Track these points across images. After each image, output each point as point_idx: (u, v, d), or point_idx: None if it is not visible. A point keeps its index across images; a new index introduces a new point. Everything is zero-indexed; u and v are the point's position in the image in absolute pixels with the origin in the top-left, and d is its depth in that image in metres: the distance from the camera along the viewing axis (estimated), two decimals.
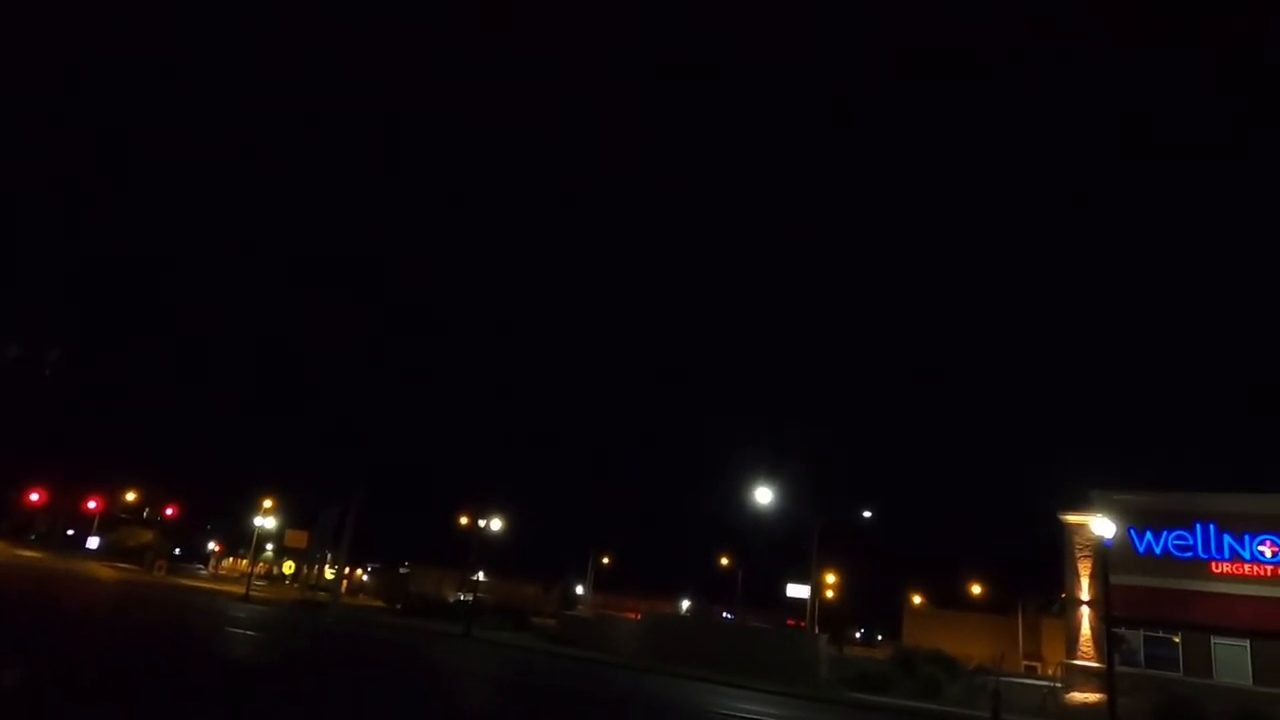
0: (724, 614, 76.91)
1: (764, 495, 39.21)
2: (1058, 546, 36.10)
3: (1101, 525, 26.39)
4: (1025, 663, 55.38)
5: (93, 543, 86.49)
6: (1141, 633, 32.34)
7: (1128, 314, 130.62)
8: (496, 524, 51.24)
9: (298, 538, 60.89)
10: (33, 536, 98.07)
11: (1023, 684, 36.64)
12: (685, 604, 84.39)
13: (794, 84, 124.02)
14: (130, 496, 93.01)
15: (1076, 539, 34.82)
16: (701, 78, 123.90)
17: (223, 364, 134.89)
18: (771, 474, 40.25)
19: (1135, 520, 33.21)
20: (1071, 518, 35.09)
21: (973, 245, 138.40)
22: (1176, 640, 31.83)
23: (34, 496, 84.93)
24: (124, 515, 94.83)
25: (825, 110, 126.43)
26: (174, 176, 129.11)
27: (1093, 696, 30.69)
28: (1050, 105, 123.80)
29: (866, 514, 44.80)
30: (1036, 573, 55.84)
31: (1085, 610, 33.82)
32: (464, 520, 62.24)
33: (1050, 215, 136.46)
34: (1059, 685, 33.93)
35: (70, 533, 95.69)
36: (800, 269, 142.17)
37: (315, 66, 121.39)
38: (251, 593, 52.31)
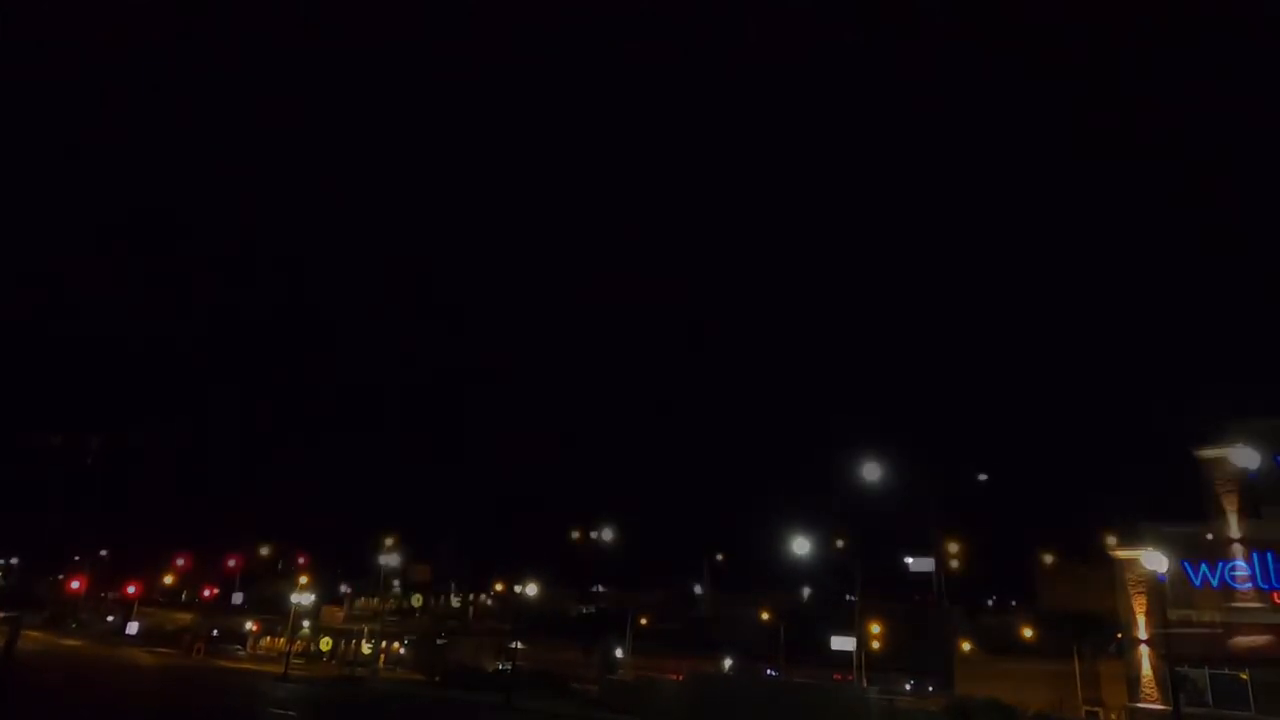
0: (768, 670, 74.85)
1: (801, 545, 38.59)
2: (1108, 582, 34.94)
3: (1152, 559, 25.61)
4: (1086, 709, 53.01)
5: (132, 628, 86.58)
6: (1207, 671, 30.98)
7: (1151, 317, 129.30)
8: (532, 589, 50.70)
9: (333, 614, 60.77)
10: (73, 625, 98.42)
11: None
12: (728, 662, 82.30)
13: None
14: (167, 579, 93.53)
15: (1129, 575, 33.69)
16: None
17: (234, 443, 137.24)
18: (808, 523, 39.65)
19: (1188, 553, 32.14)
20: (1121, 553, 34.03)
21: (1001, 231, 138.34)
22: (1244, 677, 30.45)
23: (74, 585, 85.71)
24: (161, 599, 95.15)
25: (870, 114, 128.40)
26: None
27: None
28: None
29: (909, 560, 43.82)
30: (1093, 613, 53.97)
31: (1144, 650, 32.55)
32: (499, 587, 61.73)
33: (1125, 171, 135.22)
34: None
35: (110, 619, 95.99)
36: (844, 247, 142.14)
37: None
38: (290, 671, 51.87)
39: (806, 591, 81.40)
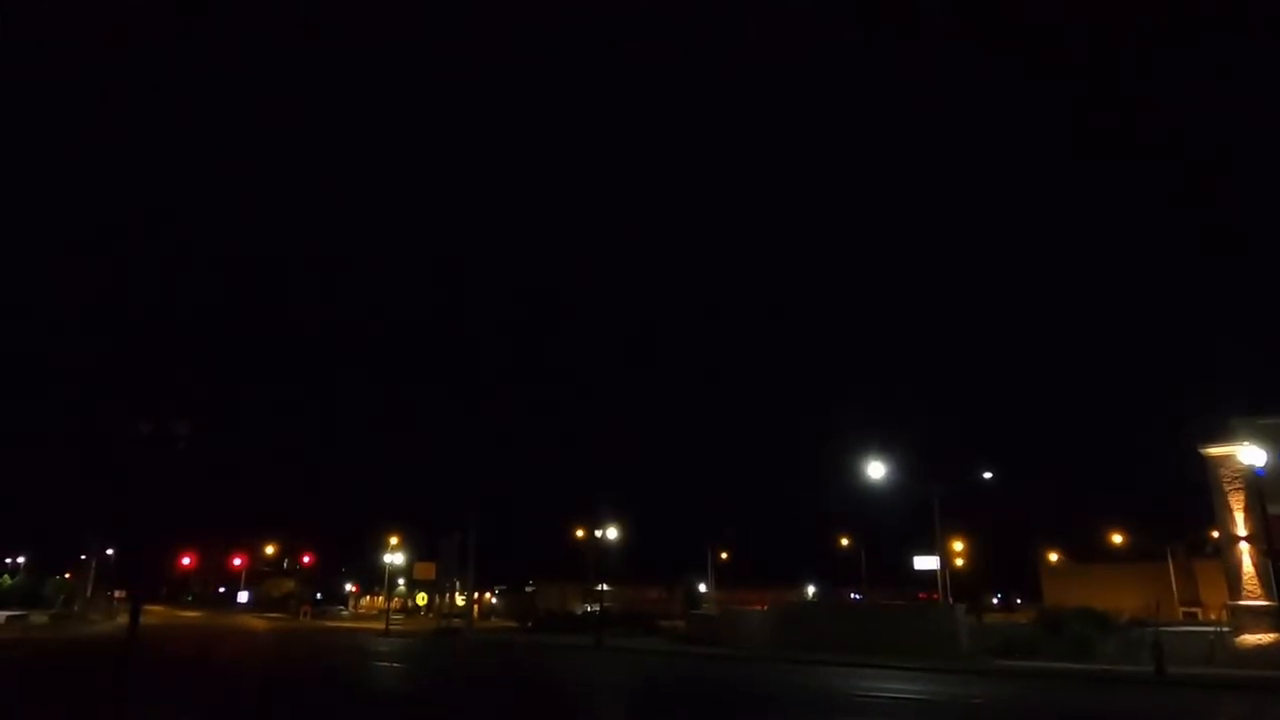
0: (852, 595, 75.39)
1: (876, 470, 38.23)
2: (1200, 484, 33.81)
3: (1250, 454, 24.56)
4: (1183, 610, 51.96)
5: (242, 597, 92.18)
6: None
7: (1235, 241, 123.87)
8: (612, 533, 51.81)
9: (426, 569, 63.17)
10: (189, 597, 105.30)
11: (1184, 633, 34.34)
12: (811, 590, 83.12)
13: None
14: (269, 550, 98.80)
15: (1223, 472, 32.52)
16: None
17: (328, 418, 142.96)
18: (882, 447, 39.19)
19: None
20: (1214, 450, 32.79)
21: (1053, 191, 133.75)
22: None
23: (185, 561, 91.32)
24: (266, 568, 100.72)
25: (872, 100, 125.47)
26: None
27: (1266, 637, 28.56)
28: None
29: (987, 475, 43.01)
30: (1180, 514, 52.54)
31: (1244, 546, 31.54)
32: (580, 533, 63.18)
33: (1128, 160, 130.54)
34: (1226, 629, 31.71)
35: (221, 590, 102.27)
36: (884, 230, 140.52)
37: None
38: (391, 627, 54.55)
39: (811, 589, 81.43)
